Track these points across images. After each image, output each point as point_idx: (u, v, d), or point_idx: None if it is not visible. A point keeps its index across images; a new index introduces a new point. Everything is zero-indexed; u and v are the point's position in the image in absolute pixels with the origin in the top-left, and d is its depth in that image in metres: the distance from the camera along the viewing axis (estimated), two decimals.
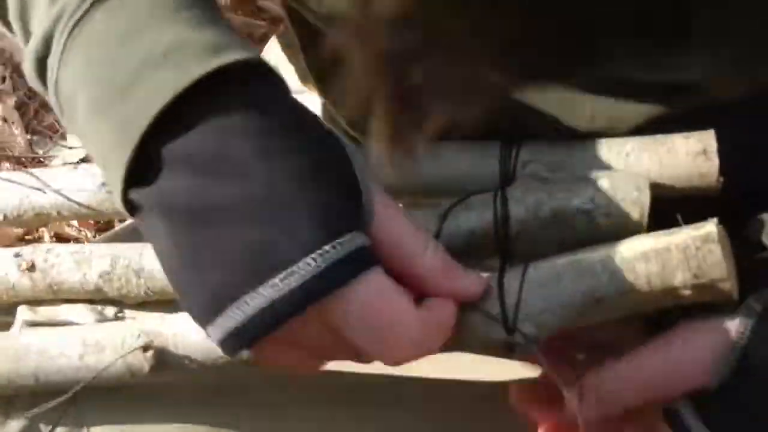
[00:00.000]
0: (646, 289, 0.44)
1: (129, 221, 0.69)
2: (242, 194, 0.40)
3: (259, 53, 0.43)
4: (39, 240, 1.23)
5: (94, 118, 0.42)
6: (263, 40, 1.23)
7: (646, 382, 0.47)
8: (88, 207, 0.62)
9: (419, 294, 0.44)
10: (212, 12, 0.44)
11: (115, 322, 0.60)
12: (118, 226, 0.74)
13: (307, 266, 0.39)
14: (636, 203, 0.47)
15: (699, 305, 0.45)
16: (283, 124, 0.42)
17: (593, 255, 0.45)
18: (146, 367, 0.54)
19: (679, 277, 0.43)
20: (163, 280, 0.59)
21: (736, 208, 0.48)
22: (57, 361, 0.56)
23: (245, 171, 0.40)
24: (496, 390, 0.58)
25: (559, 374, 0.48)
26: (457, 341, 0.47)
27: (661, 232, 0.44)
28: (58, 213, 0.63)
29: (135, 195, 0.42)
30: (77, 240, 1.24)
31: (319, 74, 0.59)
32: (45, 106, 1.43)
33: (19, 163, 1.36)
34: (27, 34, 0.46)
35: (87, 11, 0.42)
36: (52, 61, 0.44)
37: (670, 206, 0.45)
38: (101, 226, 1.25)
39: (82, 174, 0.62)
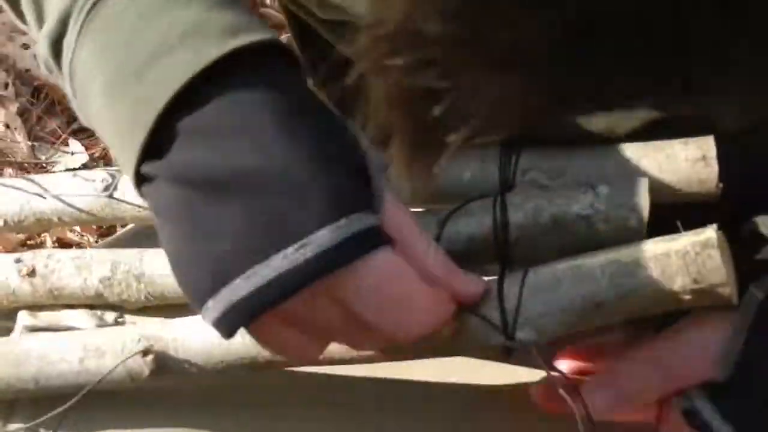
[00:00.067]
0: (645, 294, 0.44)
1: (130, 226, 0.69)
2: (259, 167, 0.40)
3: (276, 35, 0.43)
4: (41, 245, 1.23)
5: (111, 97, 0.42)
6: None
7: (659, 375, 0.47)
8: (88, 213, 0.62)
9: None
10: None
11: (115, 327, 0.60)
12: (119, 232, 0.74)
13: (323, 237, 0.39)
14: (635, 209, 0.47)
15: None
16: (299, 104, 0.42)
17: (593, 260, 0.45)
18: (146, 372, 0.54)
19: (679, 282, 0.43)
20: (164, 285, 0.60)
21: (735, 213, 0.48)
22: (57, 366, 0.56)
23: (262, 145, 0.40)
24: (497, 393, 0.58)
25: (558, 376, 0.48)
26: (457, 345, 0.47)
27: (660, 238, 0.44)
28: (59, 219, 0.63)
29: (147, 168, 0.42)
30: (79, 245, 1.24)
31: (327, 91, 0.59)
32: (47, 113, 1.44)
33: (22, 168, 1.36)
34: (41, 19, 0.47)
35: None
36: (68, 42, 0.44)
37: (670, 212, 0.45)
38: (103, 231, 1.25)
39: (82, 180, 0.63)
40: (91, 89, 0.43)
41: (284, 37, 0.92)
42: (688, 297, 0.43)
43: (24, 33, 1.47)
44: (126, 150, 0.42)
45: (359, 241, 0.40)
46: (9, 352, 0.57)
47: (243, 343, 0.52)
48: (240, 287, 0.40)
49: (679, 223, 0.44)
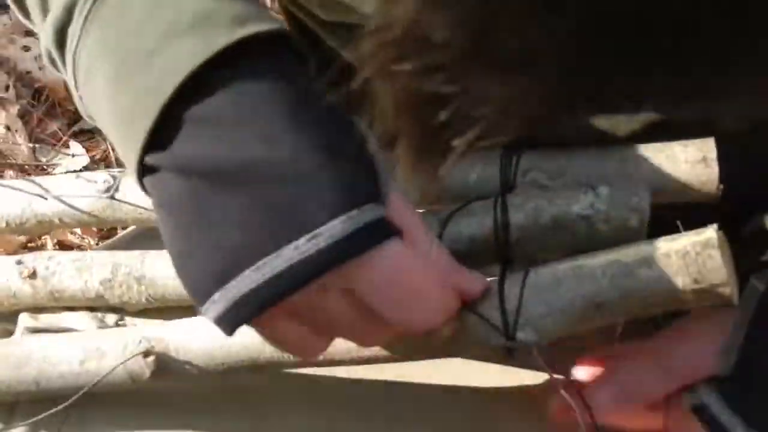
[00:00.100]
0: (646, 295, 0.44)
1: (131, 228, 0.69)
2: (268, 157, 0.40)
3: (284, 26, 0.43)
4: (42, 248, 1.24)
5: (115, 85, 0.42)
6: None
7: (660, 371, 0.48)
8: (90, 214, 0.62)
9: None
10: None
11: (116, 329, 0.60)
12: (119, 234, 0.74)
13: (334, 228, 0.39)
14: (636, 209, 0.47)
15: None
16: (306, 95, 0.42)
17: (594, 261, 0.45)
18: (147, 373, 0.54)
19: (680, 282, 0.43)
20: (164, 287, 0.60)
21: (734, 213, 0.48)
22: (58, 368, 0.56)
23: (271, 136, 0.40)
24: (499, 396, 0.58)
25: (558, 377, 0.48)
26: (457, 345, 0.47)
27: (661, 238, 0.44)
28: (60, 220, 0.63)
29: (152, 158, 0.41)
30: (80, 248, 1.24)
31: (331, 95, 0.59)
32: (48, 115, 1.44)
33: (23, 171, 1.36)
34: (45, 9, 0.46)
35: None
36: (73, 30, 0.44)
37: (670, 212, 0.45)
38: (104, 233, 1.26)
39: (84, 181, 0.63)
40: (95, 77, 0.43)
41: None
42: (688, 297, 0.43)
43: (25, 35, 1.47)
44: (129, 139, 0.42)
45: (370, 232, 0.40)
46: (10, 353, 0.57)
47: (243, 344, 0.52)
48: (250, 279, 0.39)
49: (679, 224, 0.44)
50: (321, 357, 0.50)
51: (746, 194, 0.50)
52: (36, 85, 1.45)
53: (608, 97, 0.31)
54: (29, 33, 1.47)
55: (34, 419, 0.56)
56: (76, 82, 0.45)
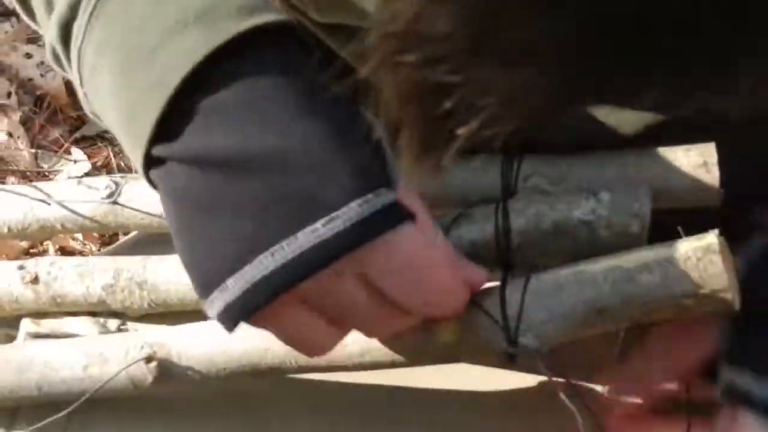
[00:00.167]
0: (647, 300, 0.44)
1: (133, 234, 0.70)
2: (280, 146, 0.40)
3: (291, 18, 0.43)
4: (44, 253, 1.24)
5: (122, 77, 0.42)
6: None
7: (661, 349, 0.50)
8: (92, 220, 0.62)
9: None
10: None
11: (118, 334, 0.60)
12: (121, 239, 0.74)
13: (352, 211, 0.39)
14: (637, 215, 0.47)
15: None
16: (315, 85, 0.42)
17: (595, 266, 0.45)
18: (149, 379, 0.54)
19: (681, 288, 0.43)
20: (166, 293, 0.60)
21: (735, 217, 0.48)
22: (60, 373, 0.56)
23: (282, 125, 0.40)
24: (503, 400, 0.58)
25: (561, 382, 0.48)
26: (459, 351, 0.47)
27: (662, 243, 0.44)
28: (62, 226, 0.63)
29: (159, 150, 0.41)
30: (82, 254, 1.24)
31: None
32: (50, 122, 1.44)
33: (25, 177, 1.37)
34: (50, 6, 0.46)
35: None
36: (78, 27, 0.44)
37: (671, 217, 0.45)
38: (106, 239, 1.26)
39: (86, 187, 0.63)
40: (101, 73, 0.43)
41: None
42: (689, 303, 0.43)
43: (27, 43, 1.47)
44: (135, 133, 0.42)
45: (386, 216, 0.40)
46: (12, 359, 0.58)
47: (245, 350, 0.52)
48: (264, 264, 0.39)
49: (680, 229, 0.44)
50: (323, 362, 0.50)
51: (746, 195, 0.50)
52: (38, 92, 1.46)
53: (610, 88, 0.31)
54: (31, 40, 1.48)
55: (37, 426, 0.56)
56: (81, 79, 0.45)
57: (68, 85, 1.41)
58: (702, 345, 0.50)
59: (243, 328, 0.51)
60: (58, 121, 1.44)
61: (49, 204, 0.62)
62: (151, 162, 0.42)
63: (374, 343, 0.49)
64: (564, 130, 0.51)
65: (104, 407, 0.57)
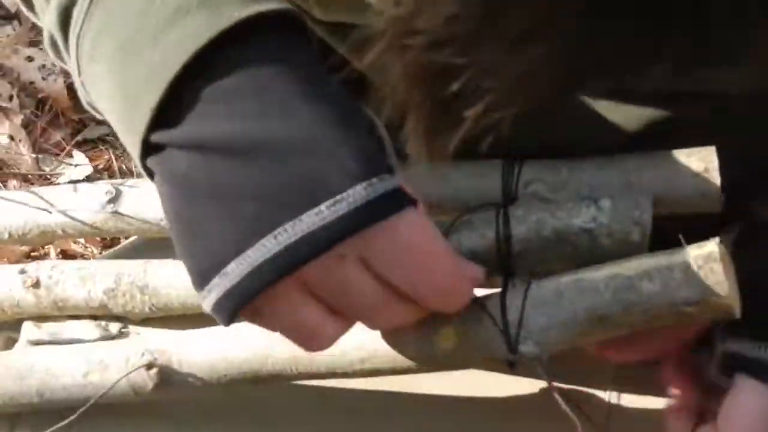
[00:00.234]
0: (648, 308, 0.44)
1: (134, 238, 0.70)
2: (284, 131, 0.40)
3: (293, 7, 0.43)
4: (45, 257, 1.24)
5: (121, 62, 0.42)
6: None
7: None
8: (92, 226, 0.62)
9: None
10: None
11: (119, 340, 0.60)
12: (122, 243, 0.75)
13: (357, 194, 0.39)
14: (638, 222, 0.47)
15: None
16: (318, 73, 0.42)
17: (596, 273, 0.45)
18: (150, 385, 0.54)
19: (682, 296, 0.43)
20: (167, 296, 0.60)
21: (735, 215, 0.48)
22: (61, 380, 0.56)
23: (286, 110, 0.40)
24: (504, 408, 0.58)
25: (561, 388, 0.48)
26: (459, 358, 0.47)
27: (663, 251, 0.44)
28: (63, 231, 0.63)
29: (158, 136, 0.41)
30: (83, 257, 1.25)
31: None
32: (51, 125, 1.44)
33: (26, 180, 1.37)
34: None
35: None
36: (77, 13, 0.43)
37: (672, 224, 0.45)
38: (107, 242, 1.26)
39: (86, 193, 0.63)
40: (99, 60, 0.43)
41: None
42: (690, 310, 0.43)
43: (29, 46, 1.47)
44: (133, 119, 0.41)
45: (390, 200, 0.40)
46: (13, 365, 0.58)
47: (246, 357, 0.52)
48: (268, 246, 0.39)
49: (681, 237, 0.44)
50: (324, 369, 0.50)
51: (746, 194, 0.50)
52: (39, 96, 1.46)
53: (619, 63, 0.30)
54: (33, 43, 1.48)
55: None
56: (78, 67, 0.44)
57: (70, 89, 1.41)
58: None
59: (244, 334, 0.51)
60: (60, 124, 1.44)
61: (50, 213, 0.62)
62: (149, 149, 0.42)
63: (375, 350, 0.49)
64: (566, 130, 0.51)
65: (105, 414, 0.57)
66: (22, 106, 1.44)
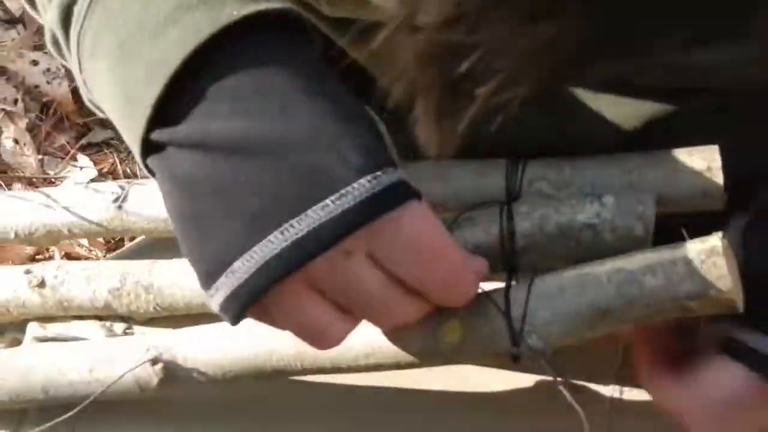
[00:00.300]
0: (651, 302, 0.44)
1: (139, 239, 0.70)
2: (286, 127, 0.40)
3: (294, 6, 0.43)
4: (49, 260, 1.24)
5: (122, 59, 0.42)
6: None
7: None
8: (98, 225, 0.63)
9: None
10: None
11: (124, 337, 0.60)
12: (127, 245, 0.75)
13: (362, 187, 0.39)
14: (641, 218, 0.47)
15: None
16: (318, 70, 0.42)
17: (599, 268, 0.45)
18: (155, 381, 0.54)
19: (685, 290, 0.43)
20: (172, 296, 0.60)
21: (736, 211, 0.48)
22: (67, 376, 0.56)
23: (288, 107, 0.40)
24: (507, 402, 0.58)
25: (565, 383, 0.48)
26: (463, 352, 0.47)
27: (666, 246, 0.45)
28: (69, 231, 0.63)
29: (159, 134, 0.41)
30: (87, 260, 1.25)
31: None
32: (56, 128, 1.44)
33: (31, 183, 1.37)
34: None
35: None
36: (78, 9, 0.43)
37: (675, 220, 0.45)
38: (111, 245, 1.26)
39: (93, 192, 0.63)
40: (100, 57, 0.43)
41: None
42: (693, 304, 0.43)
43: (33, 50, 1.48)
44: (133, 116, 0.41)
45: (395, 192, 0.40)
46: (18, 362, 0.58)
47: (251, 353, 0.52)
48: (275, 242, 0.39)
49: (684, 231, 0.45)
50: (328, 365, 0.51)
51: (748, 192, 0.50)
52: (44, 99, 1.46)
53: (632, 39, 0.30)
54: (38, 48, 1.48)
55: (42, 427, 0.56)
56: (80, 65, 0.44)
57: (74, 92, 1.42)
58: None
59: (248, 330, 0.51)
60: (65, 127, 1.44)
61: (55, 210, 0.62)
62: (149, 148, 0.42)
63: (379, 345, 0.49)
64: (567, 129, 0.51)
65: (110, 410, 0.57)
66: (26, 110, 1.44)
